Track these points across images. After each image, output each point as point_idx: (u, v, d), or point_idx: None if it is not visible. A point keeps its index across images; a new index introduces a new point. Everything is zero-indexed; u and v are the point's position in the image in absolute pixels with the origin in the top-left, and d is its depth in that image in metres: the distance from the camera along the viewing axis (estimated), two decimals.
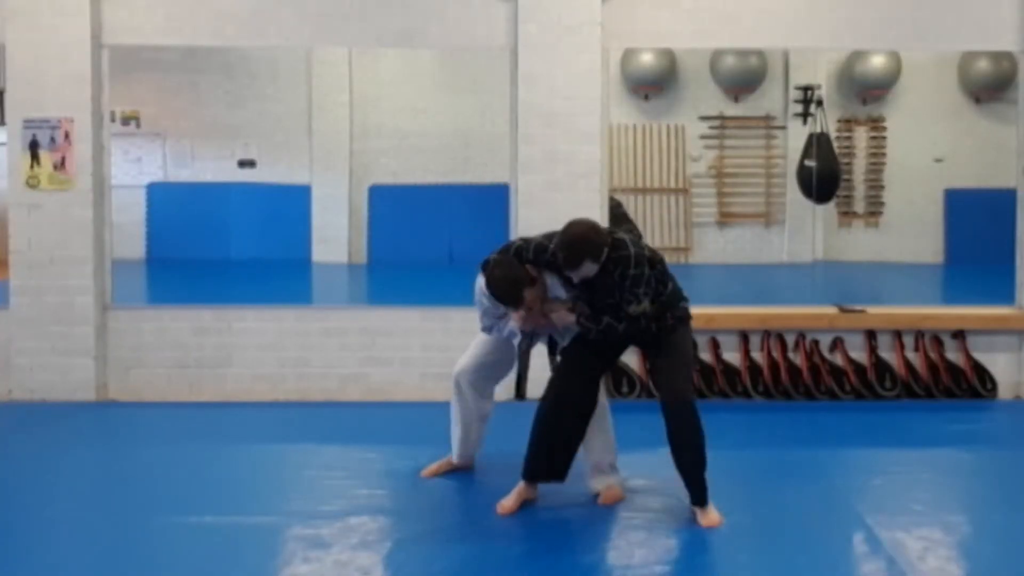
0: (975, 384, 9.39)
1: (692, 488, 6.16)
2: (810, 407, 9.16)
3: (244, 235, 18.86)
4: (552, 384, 6.34)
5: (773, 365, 9.42)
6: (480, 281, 6.39)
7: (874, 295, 15.15)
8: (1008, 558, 5.71)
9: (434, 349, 9.22)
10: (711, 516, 6.10)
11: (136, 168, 19.05)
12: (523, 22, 9.21)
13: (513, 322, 6.36)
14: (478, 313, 6.61)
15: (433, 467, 6.98)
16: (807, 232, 18.89)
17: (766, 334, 9.48)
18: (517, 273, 6.12)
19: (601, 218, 9.29)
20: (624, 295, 6.02)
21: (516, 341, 6.47)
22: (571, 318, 6.19)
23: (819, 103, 16.76)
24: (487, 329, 6.60)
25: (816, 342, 9.46)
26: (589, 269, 5.95)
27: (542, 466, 6.33)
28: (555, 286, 6.27)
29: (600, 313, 6.12)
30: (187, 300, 11.16)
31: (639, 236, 10.50)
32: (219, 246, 18.68)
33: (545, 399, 6.30)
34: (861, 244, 19.09)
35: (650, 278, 6.08)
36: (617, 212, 9.85)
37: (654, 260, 6.16)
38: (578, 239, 5.95)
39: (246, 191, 19.04)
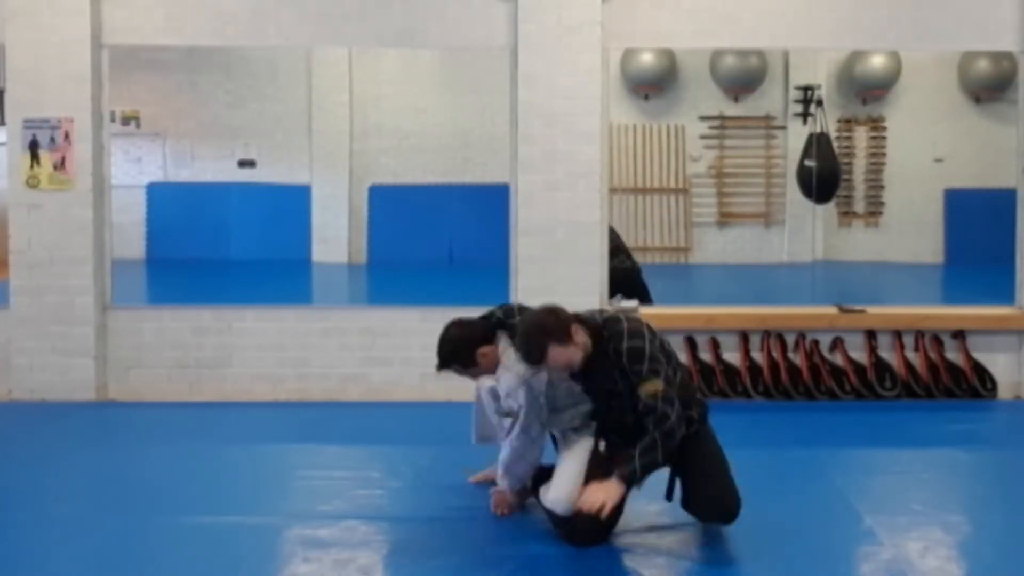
0: (975, 384, 9.40)
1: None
2: (810, 407, 9.19)
3: (244, 235, 18.88)
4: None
5: (773, 365, 9.43)
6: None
7: (874, 295, 15.18)
8: (1008, 558, 5.71)
9: (434, 349, 9.15)
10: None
11: (136, 168, 19.09)
12: (523, 22, 9.24)
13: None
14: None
15: (479, 475, 6.68)
16: (807, 232, 18.91)
17: (766, 334, 9.49)
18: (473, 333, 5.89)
19: (601, 217, 9.36)
20: (631, 377, 5.43)
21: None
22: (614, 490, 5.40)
23: (819, 103, 16.78)
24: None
25: (816, 342, 9.47)
26: (561, 355, 5.39)
27: None
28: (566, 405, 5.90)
29: (613, 418, 5.63)
30: (187, 300, 11.14)
31: (635, 267, 10.53)
32: (219, 246, 18.70)
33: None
34: (861, 244, 19.10)
35: (655, 354, 5.46)
36: (616, 243, 9.88)
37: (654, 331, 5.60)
38: (533, 327, 5.44)
39: (246, 191, 19.08)
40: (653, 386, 5.37)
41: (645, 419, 5.42)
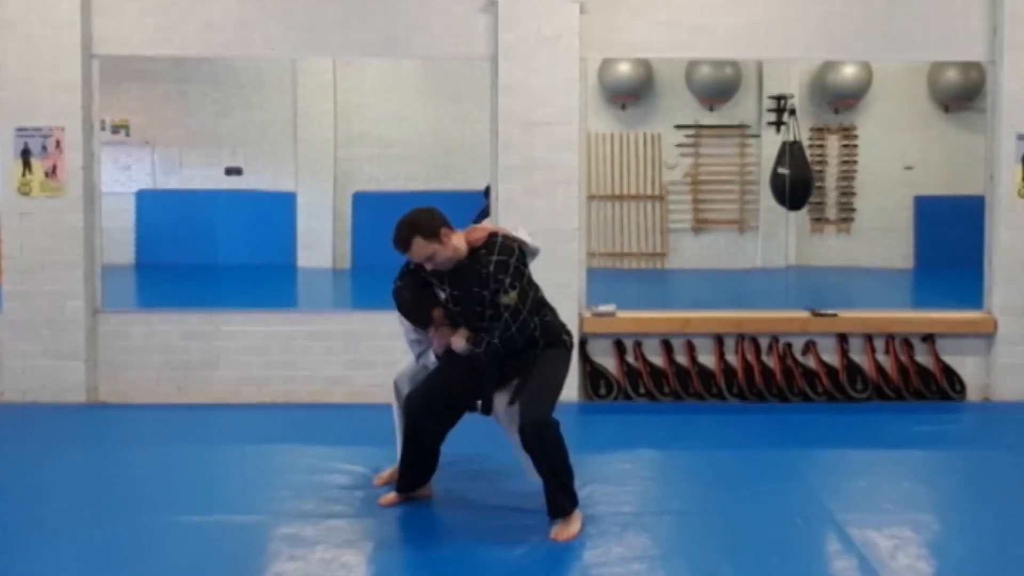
0: (944, 386, 9.54)
1: (553, 501, 6.04)
2: (783, 408, 9.29)
3: (231, 241, 18.90)
4: (413, 399, 6.32)
5: (747, 368, 9.54)
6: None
7: (846, 299, 15.18)
8: (976, 556, 5.80)
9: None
10: (571, 528, 6.02)
11: (125, 175, 19.09)
12: (503, 32, 9.33)
13: (434, 343, 6.35)
14: (413, 352, 6.71)
15: (385, 475, 6.92)
16: (780, 238, 19.02)
17: (740, 337, 9.61)
18: (426, 296, 6.23)
19: (579, 224, 9.46)
20: (491, 284, 5.97)
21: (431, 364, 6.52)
22: (462, 343, 6.12)
23: (792, 112, 16.81)
24: (416, 356, 6.68)
25: (789, 345, 9.60)
26: (424, 249, 5.90)
27: (405, 482, 6.52)
28: None
29: (471, 319, 6.11)
30: (175, 304, 11.16)
31: None
32: (206, 251, 18.73)
33: (406, 411, 6.36)
34: (833, 249, 19.21)
35: (519, 271, 6.01)
36: None
37: (524, 255, 6.11)
38: (406, 219, 5.94)
39: (233, 198, 19.10)
40: (509, 298, 5.96)
41: (496, 323, 6.01)
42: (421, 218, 5.93)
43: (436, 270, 6.09)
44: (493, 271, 5.96)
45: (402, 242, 5.94)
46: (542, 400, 6.01)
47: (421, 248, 5.92)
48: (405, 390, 6.63)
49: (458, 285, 6.10)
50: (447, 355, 6.29)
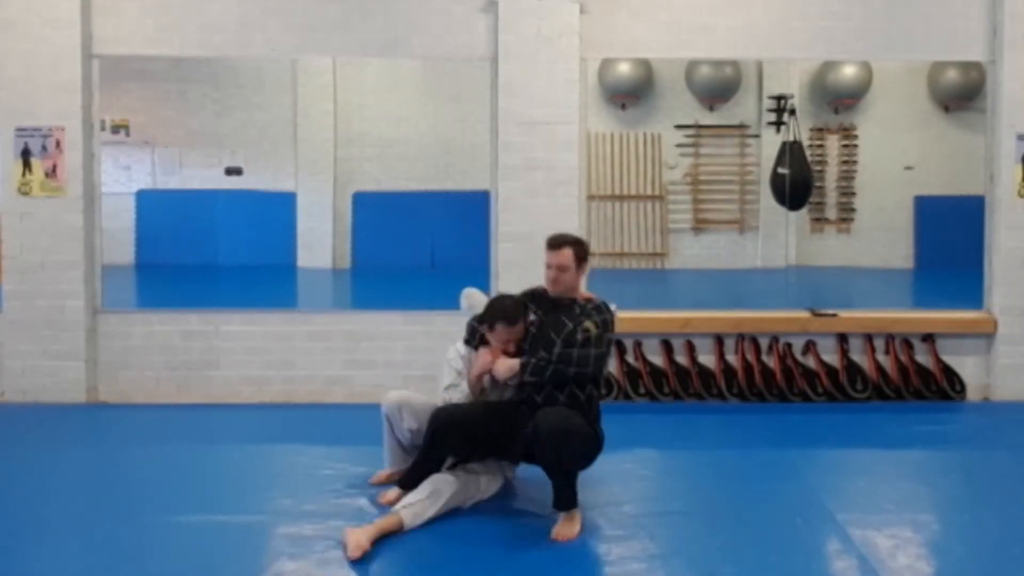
0: (944, 386, 9.55)
1: (559, 495, 6.06)
2: (783, 408, 9.30)
3: (231, 241, 18.97)
4: (440, 416, 6.34)
5: (747, 368, 9.54)
6: (457, 345, 6.66)
7: (846, 299, 15.24)
8: (976, 556, 5.80)
9: (417, 352, 9.33)
10: (572, 528, 6.02)
11: (125, 175, 19.15)
12: (503, 32, 9.35)
13: (478, 361, 6.41)
14: (446, 381, 6.63)
15: (383, 475, 6.92)
16: (780, 238, 19.03)
17: (740, 337, 9.61)
18: (521, 302, 6.51)
19: (579, 224, 9.41)
20: (581, 318, 6.32)
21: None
22: (514, 363, 6.24)
23: (792, 112, 16.82)
24: (445, 387, 6.61)
25: (789, 345, 9.60)
26: (566, 259, 6.38)
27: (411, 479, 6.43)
28: None
29: (540, 344, 6.34)
30: (175, 304, 11.16)
31: None
32: (206, 251, 18.81)
33: (430, 423, 6.37)
34: (833, 249, 19.23)
35: (606, 322, 6.36)
36: None
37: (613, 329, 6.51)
38: (571, 235, 6.62)
39: (233, 198, 19.15)
40: (591, 325, 6.29)
41: (555, 352, 6.27)
42: (582, 242, 6.57)
43: (543, 295, 6.57)
44: (590, 309, 6.40)
45: (559, 241, 6.47)
46: (568, 422, 6.02)
47: (565, 257, 6.42)
48: (403, 415, 6.62)
49: (550, 311, 6.47)
50: (484, 400, 6.50)
